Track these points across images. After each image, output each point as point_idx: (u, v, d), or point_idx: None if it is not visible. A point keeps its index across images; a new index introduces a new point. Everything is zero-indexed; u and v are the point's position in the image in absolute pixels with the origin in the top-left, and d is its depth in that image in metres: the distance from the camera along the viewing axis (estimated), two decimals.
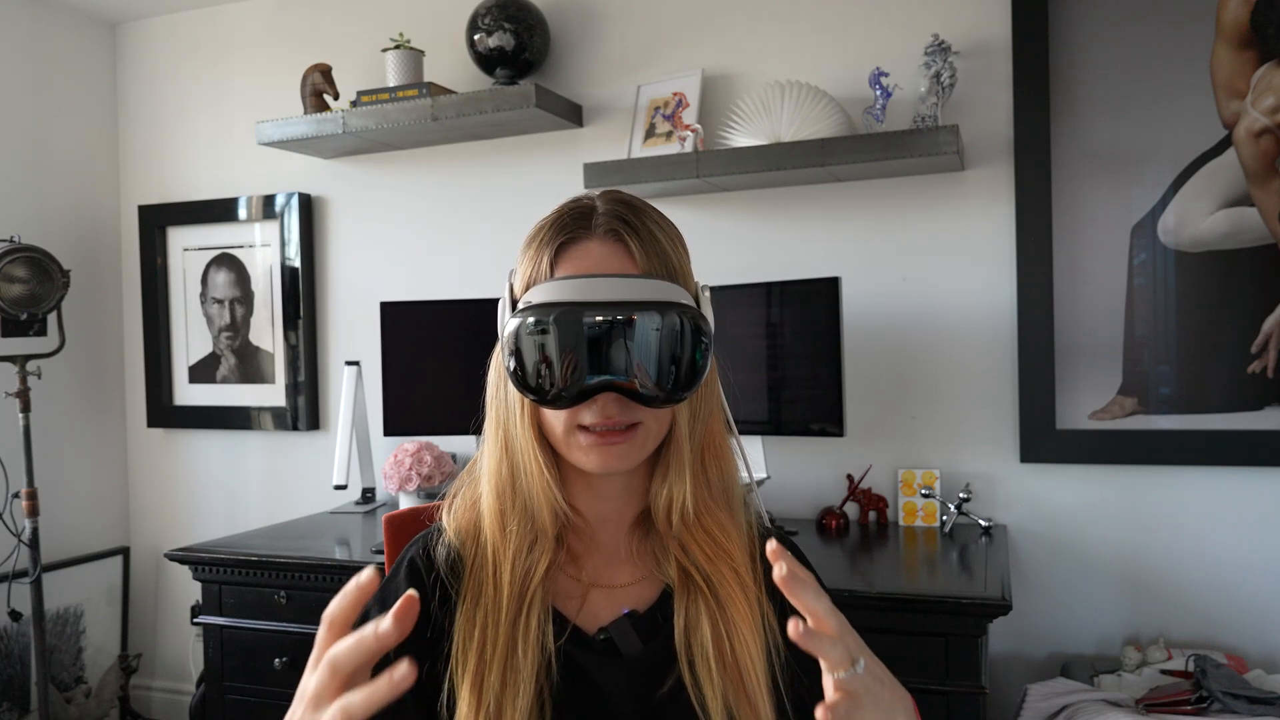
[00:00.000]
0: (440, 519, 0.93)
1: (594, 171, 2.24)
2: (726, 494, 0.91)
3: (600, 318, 0.78)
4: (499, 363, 0.90)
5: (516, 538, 0.86)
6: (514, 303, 0.84)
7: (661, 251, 0.85)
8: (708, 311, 0.85)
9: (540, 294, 0.81)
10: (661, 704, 0.84)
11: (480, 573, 0.86)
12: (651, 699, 0.84)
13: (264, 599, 2.07)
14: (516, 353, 0.80)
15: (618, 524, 0.92)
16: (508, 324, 0.81)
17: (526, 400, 0.85)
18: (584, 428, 0.83)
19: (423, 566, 0.89)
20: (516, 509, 0.87)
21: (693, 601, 0.86)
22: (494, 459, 0.89)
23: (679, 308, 0.80)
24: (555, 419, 0.84)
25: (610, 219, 0.86)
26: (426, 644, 0.85)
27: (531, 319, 0.79)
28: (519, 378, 0.81)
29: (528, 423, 0.86)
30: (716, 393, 0.91)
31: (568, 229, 0.85)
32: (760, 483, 2.08)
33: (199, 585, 2.15)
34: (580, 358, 0.78)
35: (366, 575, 0.61)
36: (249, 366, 2.83)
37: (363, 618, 0.84)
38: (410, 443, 2.36)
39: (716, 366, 0.91)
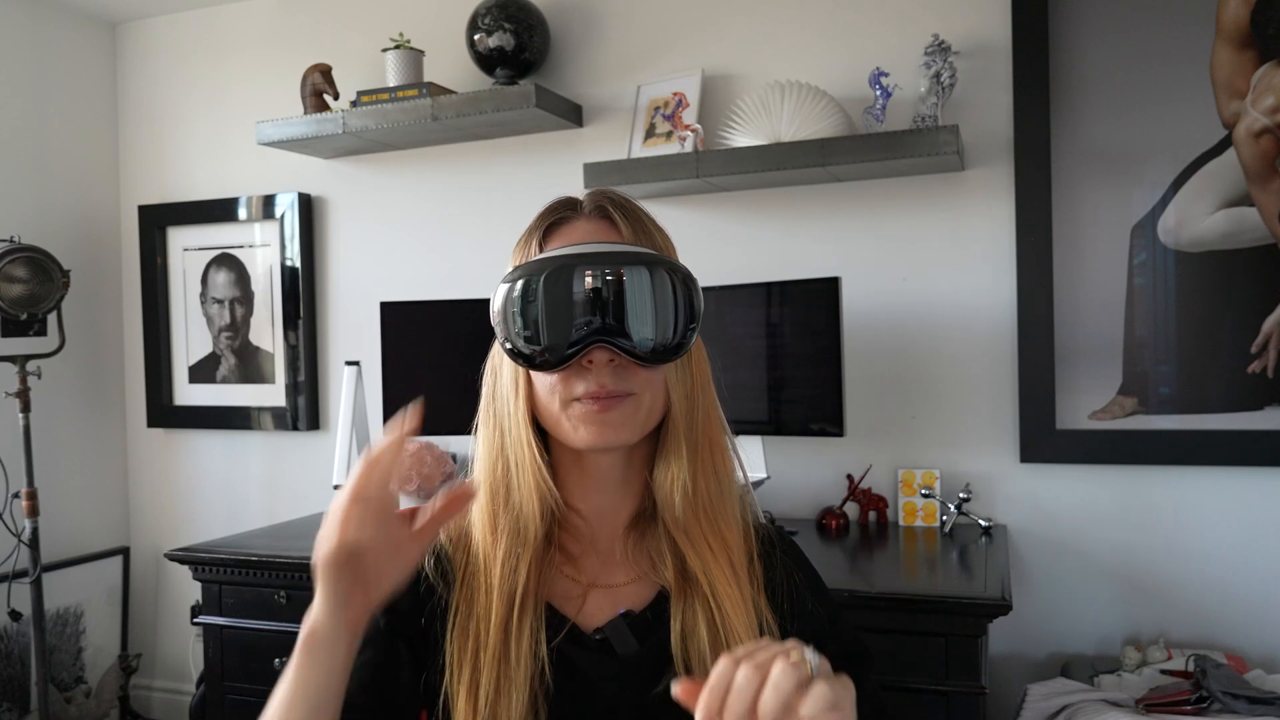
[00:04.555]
0: None
1: (594, 171, 2.24)
2: (728, 488, 0.90)
3: (589, 273, 0.78)
4: (494, 364, 0.90)
5: (507, 536, 0.85)
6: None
7: (647, 231, 0.88)
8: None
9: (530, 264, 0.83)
10: (656, 704, 0.84)
11: (472, 582, 0.86)
12: (646, 698, 0.84)
13: (264, 599, 2.07)
14: (507, 318, 0.80)
15: (614, 521, 0.91)
16: (498, 291, 0.82)
17: (520, 385, 0.85)
18: (578, 401, 0.82)
19: (416, 573, 0.88)
20: (509, 505, 0.86)
21: (689, 605, 0.85)
22: (488, 458, 0.88)
23: (667, 264, 0.81)
24: (550, 394, 0.83)
25: (597, 199, 0.89)
26: (419, 649, 0.86)
27: (520, 281, 0.80)
28: (511, 343, 0.81)
29: (521, 408, 0.86)
30: (711, 391, 0.91)
31: (556, 212, 0.90)
32: (760, 483, 2.08)
33: (199, 585, 2.15)
34: (569, 313, 0.78)
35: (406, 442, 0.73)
36: (249, 366, 2.83)
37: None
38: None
39: (709, 366, 0.91)
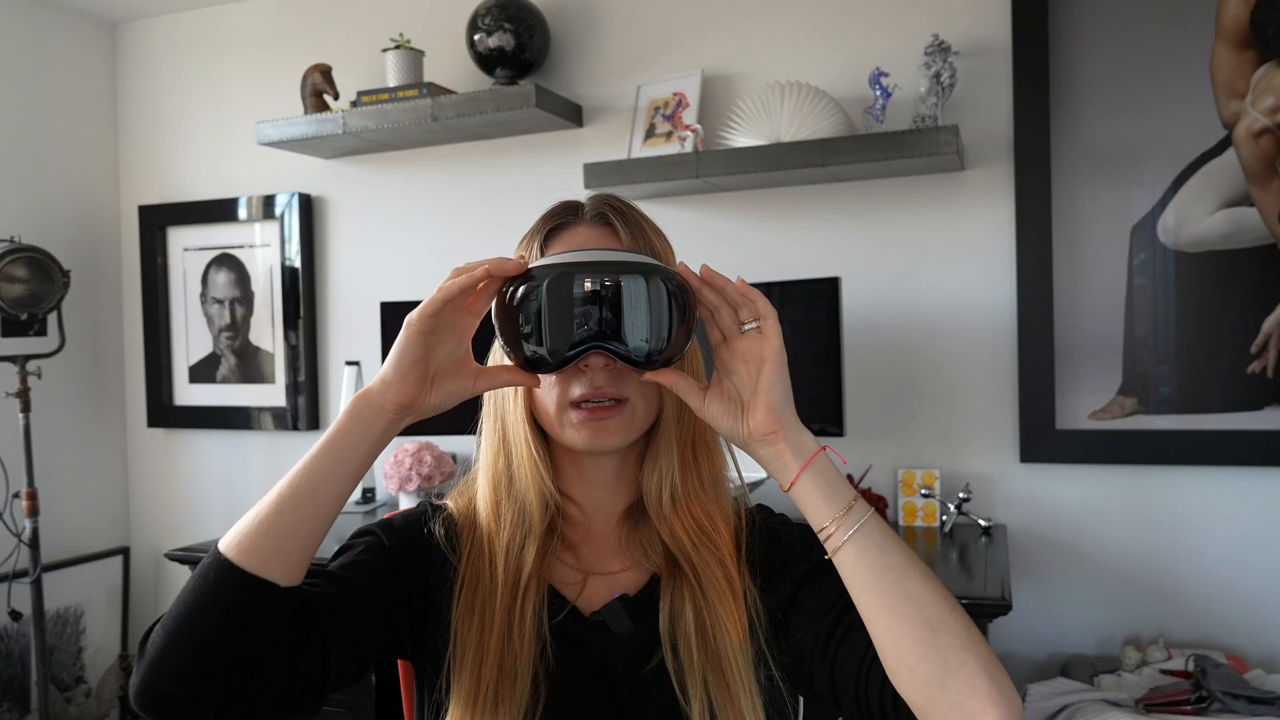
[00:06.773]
0: (443, 503, 0.97)
1: (594, 171, 2.24)
2: (715, 486, 0.94)
3: (588, 281, 0.80)
4: (497, 358, 0.93)
5: (510, 526, 0.90)
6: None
7: (646, 237, 0.91)
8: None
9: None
10: (647, 680, 0.89)
11: (478, 561, 0.90)
12: (639, 674, 0.89)
13: None
14: (508, 322, 0.82)
15: (609, 513, 0.95)
16: (499, 294, 0.84)
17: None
18: (575, 405, 0.86)
19: (426, 529, 0.93)
20: (511, 498, 0.91)
21: (678, 589, 0.90)
22: (490, 451, 0.93)
23: (663, 273, 0.82)
24: (548, 396, 0.88)
25: (598, 205, 0.93)
26: (415, 599, 0.90)
27: (522, 286, 0.81)
28: (511, 345, 0.83)
29: (521, 406, 0.91)
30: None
31: (557, 217, 0.92)
32: (759, 483, 2.08)
33: None
34: (567, 320, 0.80)
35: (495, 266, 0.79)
36: (249, 366, 2.83)
37: (360, 534, 0.92)
38: (410, 443, 2.37)
39: (704, 369, 0.93)
